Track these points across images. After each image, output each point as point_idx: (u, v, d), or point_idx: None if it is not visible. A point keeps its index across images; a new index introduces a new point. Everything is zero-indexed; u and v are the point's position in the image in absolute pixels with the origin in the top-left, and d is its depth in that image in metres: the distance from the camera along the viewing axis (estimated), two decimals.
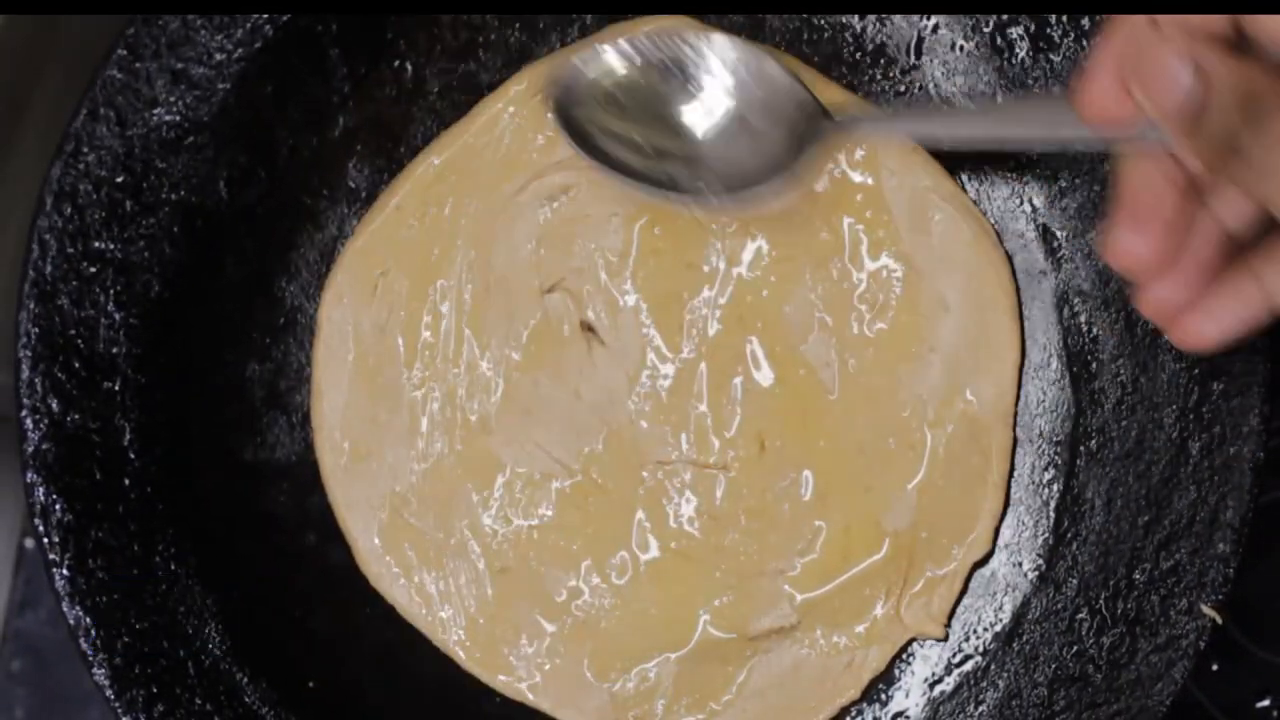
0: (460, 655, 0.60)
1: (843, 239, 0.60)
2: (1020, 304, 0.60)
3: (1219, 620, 0.55)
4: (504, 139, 0.60)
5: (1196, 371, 0.56)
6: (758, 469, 0.60)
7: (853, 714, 0.60)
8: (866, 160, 0.60)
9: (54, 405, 0.56)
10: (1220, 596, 0.55)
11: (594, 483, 0.60)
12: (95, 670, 0.55)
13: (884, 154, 0.60)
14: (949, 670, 0.60)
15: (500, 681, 0.60)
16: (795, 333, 0.60)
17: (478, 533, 0.60)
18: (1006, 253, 0.60)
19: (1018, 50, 0.59)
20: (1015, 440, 0.60)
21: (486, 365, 0.60)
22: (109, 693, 0.55)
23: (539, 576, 0.60)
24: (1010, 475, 0.60)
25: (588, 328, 0.60)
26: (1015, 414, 0.60)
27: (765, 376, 0.60)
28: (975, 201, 0.60)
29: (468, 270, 0.60)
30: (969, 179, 0.61)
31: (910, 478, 0.60)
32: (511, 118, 0.60)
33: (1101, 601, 0.58)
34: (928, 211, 0.59)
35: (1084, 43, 0.58)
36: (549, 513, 0.60)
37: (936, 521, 0.59)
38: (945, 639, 0.60)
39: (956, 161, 0.61)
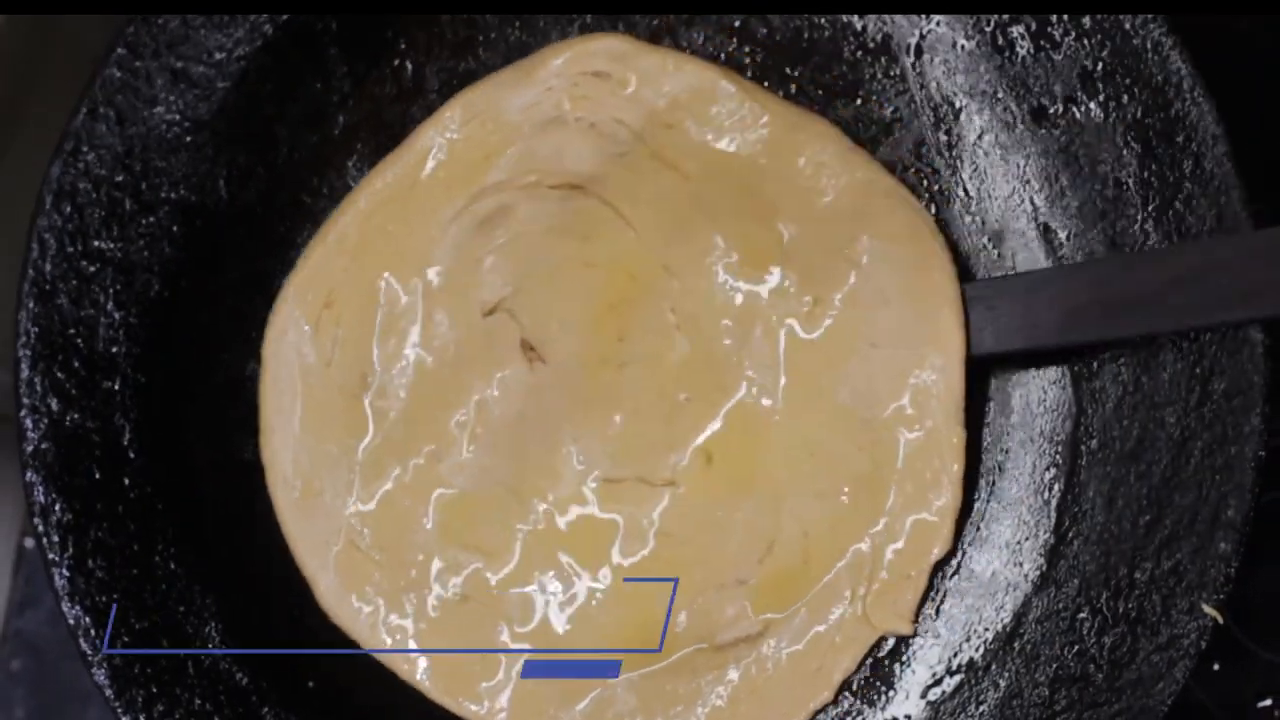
0: (427, 686, 0.59)
1: (781, 237, 0.59)
2: (963, 294, 0.59)
3: (1220, 620, 0.55)
4: (439, 164, 0.60)
5: (1197, 371, 0.56)
6: (706, 481, 0.59)
7: (853, 715, 0.60)
8: (802, 157, 0.59)
9: (54, 405, 0.56)
10: (1221, 596, 0.55)
11: (546, 504, 0.59)
12: (95, 670, 0.55)
13: (819, 150, 0.59)
14: (949, 670, 0.60)
15: (470, 710, 0.59)
16: (737, 337, 0.59)
17: (435, 562, 0.59)
18: (948, 242, 0.59)
19: (1019, 49, 0.59)
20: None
21: (433, 392, 0.60)
22: (109, 693, 0.55)
23: (499, 601, 0.59)
24: (967, 470, 0.59)
25: (529, 347, 0.60)
26: (966, 408, 0.59)
27: (708, 386, 0.59)
28: (976, 201, 0.60)
29: (410, 297, 0.60)
30: (969, 178, 0.61)
31: (864, 477, 0.59)
32: (444, 143, 0.60)
33: (1103, 601, 0.57)
34: (867, 205, 0.59)
35: (1085, 42, 0.57)
36: (503, 537, 0.59)
37: (895, 520, 0.59)
38: (914, 634, 0.60)
39: (955, 160, 0.61)
